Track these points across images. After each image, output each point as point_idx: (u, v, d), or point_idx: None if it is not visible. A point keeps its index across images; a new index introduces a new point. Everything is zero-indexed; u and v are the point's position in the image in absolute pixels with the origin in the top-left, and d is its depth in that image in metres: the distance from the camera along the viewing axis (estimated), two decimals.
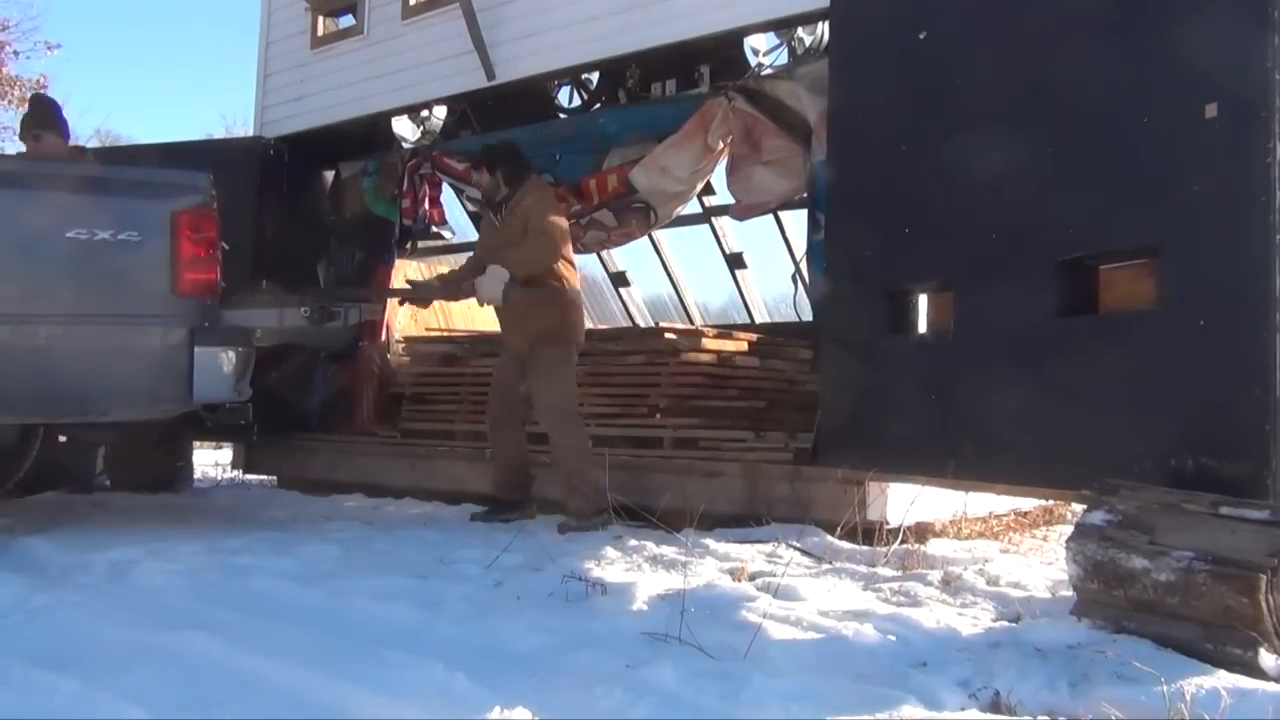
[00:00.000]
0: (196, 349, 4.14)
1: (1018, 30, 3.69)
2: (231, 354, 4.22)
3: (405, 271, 7.41)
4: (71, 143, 5.08)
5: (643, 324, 7.81)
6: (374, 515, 5.14)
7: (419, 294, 5.39)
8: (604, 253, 7.46)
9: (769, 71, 5.61)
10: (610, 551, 3.84)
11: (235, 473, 7.51)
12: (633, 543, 4.01)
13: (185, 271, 4.13)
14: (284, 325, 4.48)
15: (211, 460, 8.32)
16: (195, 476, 7.00)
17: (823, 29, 5.34)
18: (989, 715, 2.13)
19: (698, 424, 5.19)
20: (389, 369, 6.90)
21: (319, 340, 5.23)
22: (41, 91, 6.30)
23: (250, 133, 7.99)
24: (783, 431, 4.90)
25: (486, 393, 6.16)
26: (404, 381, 6.74)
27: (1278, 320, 2.88)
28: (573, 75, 6.49)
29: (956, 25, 3.92)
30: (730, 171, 5.66)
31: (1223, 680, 2.18)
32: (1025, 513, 4.92)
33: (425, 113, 7.28)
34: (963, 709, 2.15)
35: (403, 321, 7.39)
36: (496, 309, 4.79)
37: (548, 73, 6.28)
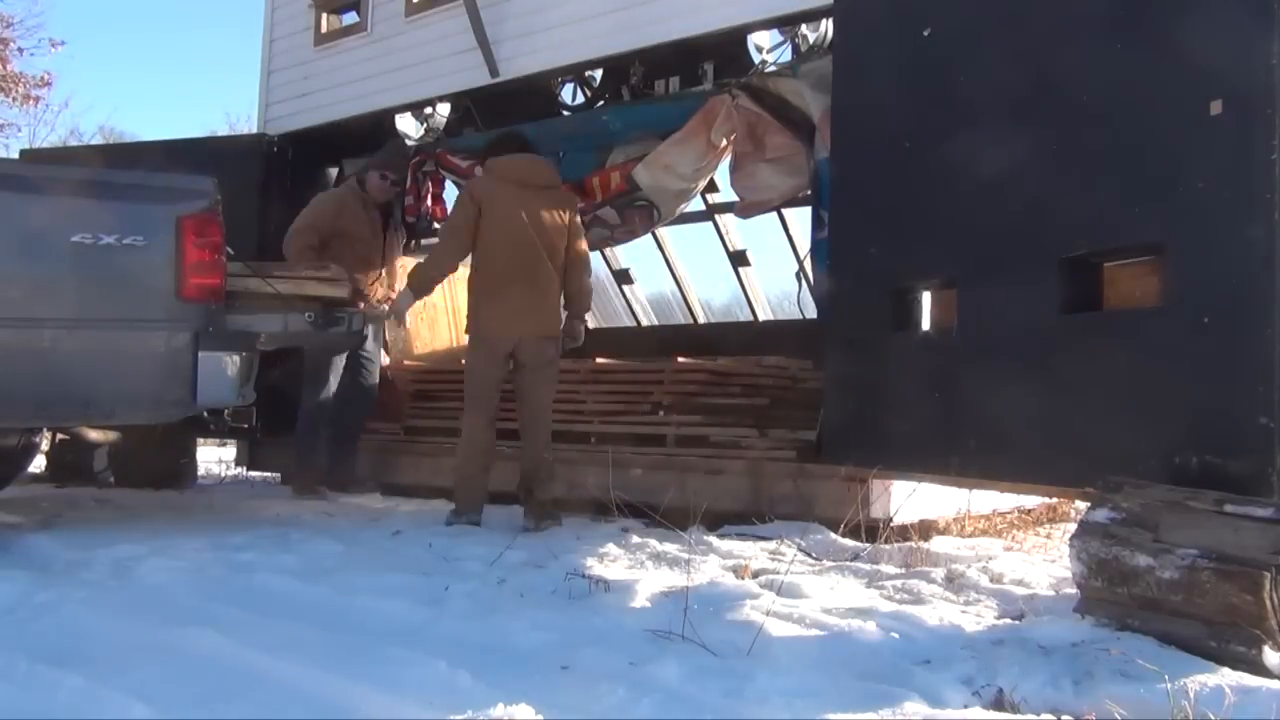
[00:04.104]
0: (200, 353, 4.14)
1: (1021, 27, 3.68)
2: (235, 358, 4.22)
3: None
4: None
5: (646, 322, 7.81)
6: (377, 512, 5.14)
7: None
8: (607, 250, 7.46)
9: (772, 69, 5.60)
10: (613, 549, 3.85)
11: (239, 470, 7.53)
12: (636, 540, 4.02)
13: (190, 276, 4.13)
14: (288, 330, 4.48)
15: (215, 457, 8.34)
16: (199, 473, 7.02)
17: (826, 26, 5.33)
18: (992, 713, 2.13)
19: (701, 421, 5.19)
20: (393, 366, 6.90)
21: (323, 344, 5.24)
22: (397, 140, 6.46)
23: (254, 130, 8.00)
24: (786, 429, 4.90)
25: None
26: (408, 379, 6.75)
27: None
28: (576, 72, 6.49)
29: (960, 22, 3.92)
30: (733, 169, 5.66)
31: (1226, 678, 2.17)
32: (1029, 510, 4.92)
33: (429, 110, 7.29)
34: (966, 706, 2.15)
35: (409, 320, 7.39)
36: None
37: (551, 70, 6.29)
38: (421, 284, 4.73)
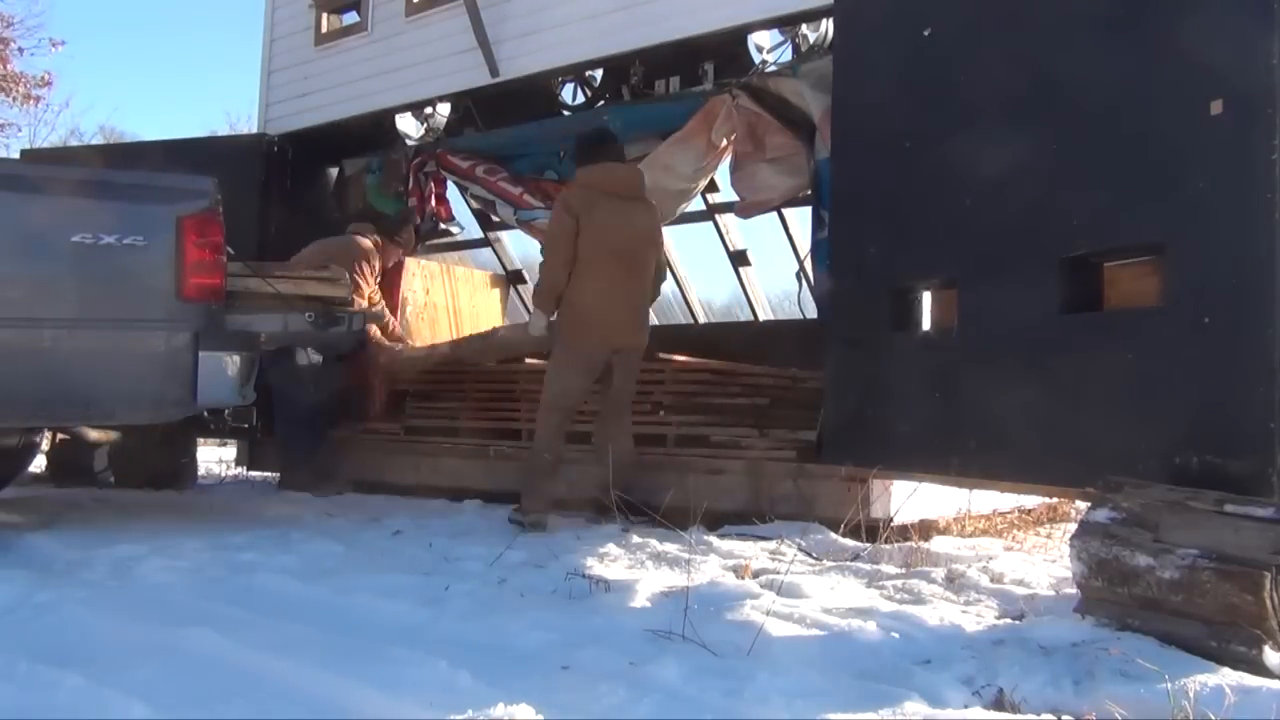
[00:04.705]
0: (201, 353, 4.14)
1: (1022, 27, 3.68)
2: (236, 358, 4.23)
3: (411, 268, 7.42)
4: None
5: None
6: (377, 512, 5.14)
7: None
8: None
9: (773, 69, 5.60)
10: (613, 548, 3.85)
11: (239, 470, 7.53)
12: (636, 540, 4.02)
13: (190, 276, 4.13)
14: (288, 330, 4.48)
15: (215, 457, 8.34)
16: (199, 473, 7.02)
17: (827, 26, 5.34)
18: (992, 713, 2.13)
19: (701, 421, 5.19)
20: (394, 366, 6.89)
21: (323, 345, 5.26)
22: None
23: (254, 130, 8.00)
24: (786, 429, 4.90)
25: (490, 390, 6.20)
26: (408, 378, 6.74)
27: None
28: (576, 72, 6.49)
29: (960, 22, 3.92)
30: (734, 169, 5.66)
31: (1227, 678, 2.17)
32: (1029, 510, 4.92)
33: (429, 110, 7.30)
34: (966, 706, 2.14)
35: (409, 319, 7.39)
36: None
37: (551, 70, 6.29)
38: (546, 302, 4.68)
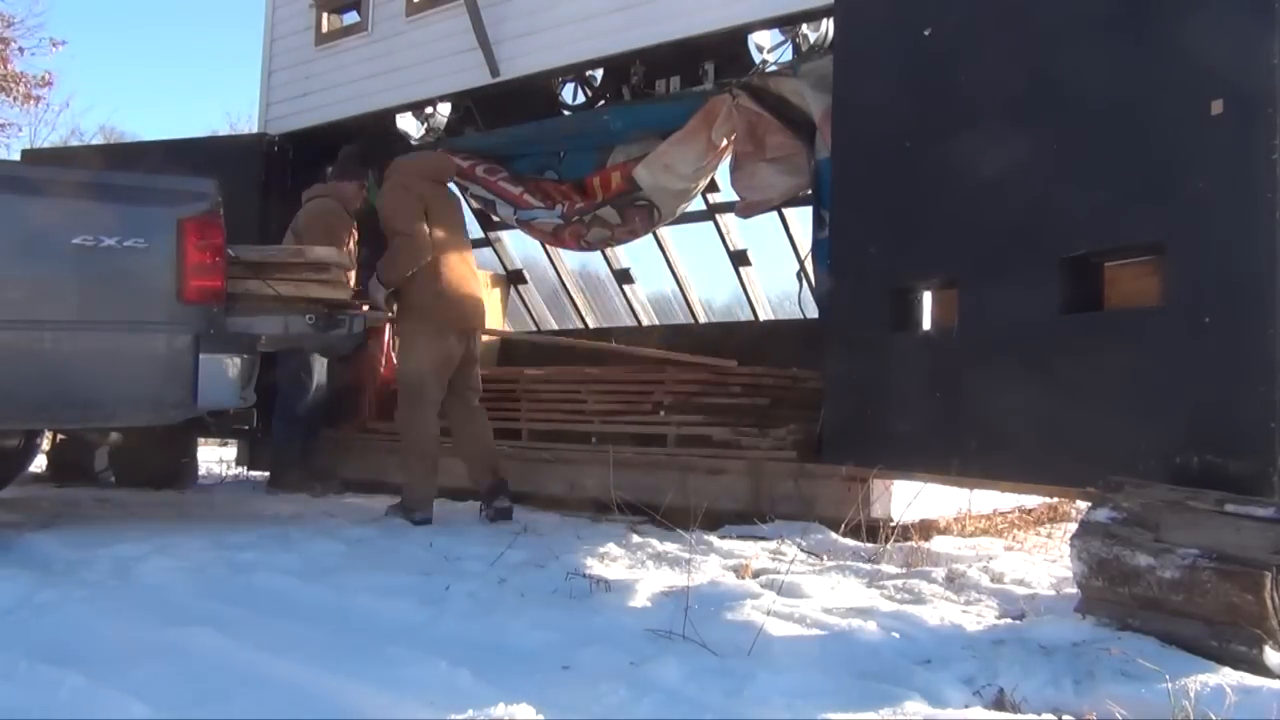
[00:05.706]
0: (201, 356, 4.15)
1: (1022, 26, 3.68)
2: (236, 360, 4.23)
3: None
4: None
5: (647, 322, 7.81)
6: (377, 512, 5.14)
7: None
8: (607, 250, 7.45)
9: (773, 68, 5.60)
10: (614, 548, 3.85)
11: (239, 470, 7.53)
12: (636, 540, 4.02)
13: (191, 278, 4.14)
14: (289, 332, 4.49)
15: (216, 457, 8.35)
16: (199, 473, 7.03)
17: (827, 25, 5.34)
18: (993, 713, 2.13)
19: (702, 421, 5.19)
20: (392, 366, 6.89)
21: (323, 346, 5.26)
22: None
23: (254, 130, 8.00)
24: (786, 429, 4.91)
25: (489, 390, 6.18)
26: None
27: None
28: (577, 72, 6.49)
29: (961, 22, 3.92)
30: (734, 169, 5.66)
31: (1227, 678, 2.17)
32: (1029, 510, 4.92)
33: (429, 110, 7.30)
34: (967, 706, 2.14)
35: None
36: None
37: (552, 69, 6.30)
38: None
